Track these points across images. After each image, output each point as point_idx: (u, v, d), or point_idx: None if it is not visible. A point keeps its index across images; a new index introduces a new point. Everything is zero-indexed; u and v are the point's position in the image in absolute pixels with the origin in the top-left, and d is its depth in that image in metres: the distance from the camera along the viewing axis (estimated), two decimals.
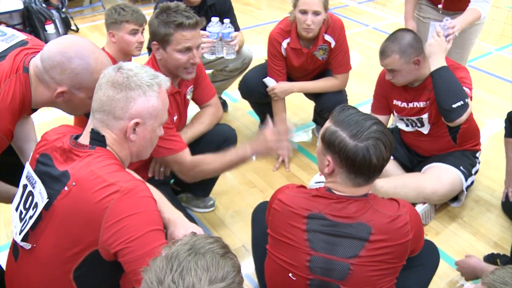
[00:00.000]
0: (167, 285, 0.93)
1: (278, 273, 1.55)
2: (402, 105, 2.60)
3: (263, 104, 3.18)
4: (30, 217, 1.37)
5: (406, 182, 2.54)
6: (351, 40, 3.02)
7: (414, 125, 2.63)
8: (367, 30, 5.58)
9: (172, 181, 2.62)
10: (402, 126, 2.68)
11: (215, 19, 2.72)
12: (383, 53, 2.40)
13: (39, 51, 1.64)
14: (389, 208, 1.50)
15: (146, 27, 2.44)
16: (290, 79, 3.06)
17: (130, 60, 2.76)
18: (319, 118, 3.29)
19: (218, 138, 2.46)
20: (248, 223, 2.01)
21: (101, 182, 1.28)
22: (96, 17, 5.66)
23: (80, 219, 1.29)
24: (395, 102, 2.63)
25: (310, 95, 3.23)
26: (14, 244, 1.47)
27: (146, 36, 2.59)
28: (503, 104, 3.77)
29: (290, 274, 1.52)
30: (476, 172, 2.65)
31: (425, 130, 2.60)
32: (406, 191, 2.50)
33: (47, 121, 3.62)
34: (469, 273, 2.06)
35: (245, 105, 3.47)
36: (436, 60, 2.32)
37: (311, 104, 3.33)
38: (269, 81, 2.99)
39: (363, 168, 1.46)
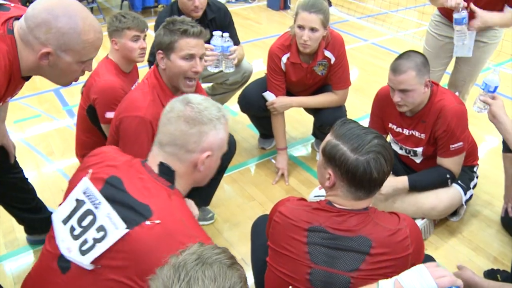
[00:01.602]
0: None
1: (278, 286, 1.55)
2: (397, 130, 2.59)
3: (263, 118, 3.19)
4: (97, 240, 1.34)
5: (404, 197, 2.54)
6: (350, 55, 3.04)
7: (407, 152, 2.63)
8: (366, 45, 5.62)
9: None
10: (396, 148, 2.67)
11: (218, 33, 2.74)
12: (397, 70, 2.28)
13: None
14: (389, 222, 1.51)
15: (148, 34, 2.48)
16: (289, 93, 3.08)
17: (135, 67, 2.77)
18: (318, 132, 3.29)
19: None
20: (247, 236, 2.01)
21: (184, 230, 1.32)
22: None
23: (158, 258, 1.23)
24: (390, 125, 2.62)
25: (310, 110, 3.25)
26: (62, 257, 1.40)
27: (148, 42, 2.62)
28: None
29: (290, 287, 1.52)
30: (475, 186, 2.65)
31: (417, 159, 2.61)
32: (405, 206, 2.50)
33: (47, 131, 3.63)
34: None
35: (245, 118, 3.48)
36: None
37: (310, 119, 3.35)
38: (269, 96, 3.00)
39: (363, 182, 1.46)
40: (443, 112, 2.35)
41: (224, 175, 3.10)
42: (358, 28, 6.14)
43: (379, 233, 1.47)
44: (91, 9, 6.54)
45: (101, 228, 1.35)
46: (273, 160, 3.28)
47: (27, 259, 2.46)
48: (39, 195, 2.45)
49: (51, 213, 2.45)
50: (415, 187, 2.48)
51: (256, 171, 3.23)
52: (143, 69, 2.97)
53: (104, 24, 5.14)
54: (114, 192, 1.39)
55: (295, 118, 3.71)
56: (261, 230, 1.78)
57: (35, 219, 2.41)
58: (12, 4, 1.65)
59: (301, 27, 2.69)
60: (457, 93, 2.84)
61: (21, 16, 1.54)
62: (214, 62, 2.74)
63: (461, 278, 1.99)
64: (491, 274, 2.28)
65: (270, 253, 1.61)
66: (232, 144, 2.56)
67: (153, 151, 1.48)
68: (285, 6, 6.98)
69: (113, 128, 2.24)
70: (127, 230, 1.30)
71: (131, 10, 6.00)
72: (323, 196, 1.73)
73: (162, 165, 1.44)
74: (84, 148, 2.84)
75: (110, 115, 2.50)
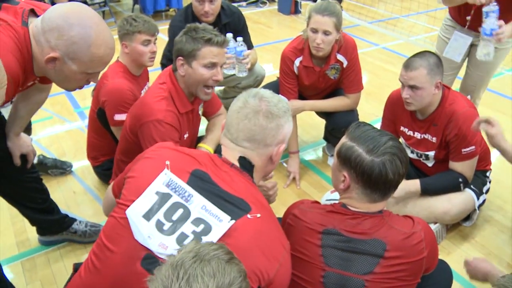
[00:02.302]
0: None
1: None
2: (408, 133, 2.58)
3: None
4: (198, 233, 1.28)
5: (417, 201, 2.52)
6: (361, 59, 3.03)
7: (419, 156, 2.62)
8: (377, 49, 5.61)
9: None
10: (407, 151, 2.65)
11: (229, 35, 2.75)
12: (410, 66, 2.30)
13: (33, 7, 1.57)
14: (404, 225, 1.50)
15: (159, 38, 2.49)
16: (301, 97, 3.07)
17: (145, 70, 2.78)
18: (330, 136, 3.29)
19: None
20: None
21: (279, 231, 1.39)
22: None
23: (256, 256, 1.27)
24: (402, 128, 2.61)
25: (322, 114, 3.24)
26: (147, 257, 1.29)
27: (159, 46, 2.63)
28: None
29: None
30: (487, 191, 2.63)
31: (429, 163, 2.60)
32: (417, 211, 2.48)
33: (59, 133, 3.66)
34: (479, 275, 2.00)
35: None
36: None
37: (322, 122, 3.34)
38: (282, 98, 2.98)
39: (379, 184, 1.46)
40: (454, 116, 2.35)
41: None
42: (369, 32, 6.13)
43: (394, 236, 1.46)
44: (103, 13, 6.60)
45: (199, 221, 1.30)
46: (284, 164, 3.27)
47: (39, 260, 2.47)
48: (51, 196, 2.46)
49: (64, 214, 2.49)
50: (427, 191, 2.47)
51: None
52: (156, 71, 2.99)
53: (114, 28, 5.20)
54: (203, 185, 1.35)
55: (307, 122, 3.71)
56: None
57: (47, 220, 2.42)
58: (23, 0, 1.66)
59: (314, 30, 2.69)
60: (468, 97, 2.83)
61: (35, 9, 1.56)
62: (230, 64, 2.74)
63: (480, 266, 1.95)
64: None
65: None
66: None
67: (227, 146, 1.46)
68: (296, 11, 6.99)
69: (128, 132, 2.25)
70: (233, 222, 1.28)
71: (142, 14, 6.03)
72: (335, 200, 1.73)
73: (243, 160, 1.44)
74: (95, 150, 2.86)
75: (119, 117, 2.51)
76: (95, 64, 1.55)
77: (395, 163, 1.45)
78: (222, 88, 3.55)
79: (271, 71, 4.41)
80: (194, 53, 2.09)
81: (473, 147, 2.37)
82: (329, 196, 2.70)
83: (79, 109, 4.06)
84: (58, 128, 3.74)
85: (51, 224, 2.45)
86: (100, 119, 2.69)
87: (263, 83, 3.34)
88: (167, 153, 1.45)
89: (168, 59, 3.08)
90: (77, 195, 2.96)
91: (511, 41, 2.89)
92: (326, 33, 2.68)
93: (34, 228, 2.52)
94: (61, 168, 3.12)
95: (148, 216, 1.32)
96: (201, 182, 1.36)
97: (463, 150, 2.38)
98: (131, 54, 2.58)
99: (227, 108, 3.76)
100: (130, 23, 2.53)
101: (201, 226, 1.29)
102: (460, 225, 2.68)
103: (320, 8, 2.67)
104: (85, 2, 6.45)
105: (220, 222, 1.28)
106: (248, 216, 1.30)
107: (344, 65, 2.90)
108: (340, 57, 2.87)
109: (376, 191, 1.48)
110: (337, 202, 1.58)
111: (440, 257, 2.37)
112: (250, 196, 1.36)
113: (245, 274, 1.03)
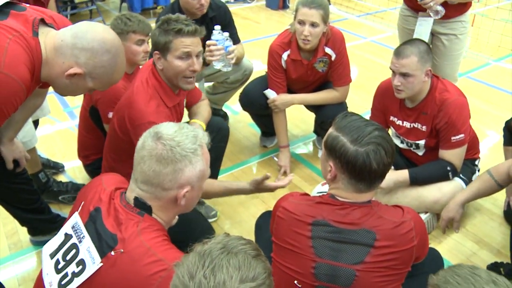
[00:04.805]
0: (198, 280, 0.94)
1: (284, 281, 1.55)
2: (398, 123, 2.60)
3: (264, 116, 3.20)
4: (75, 274, 1.31)
5: (407, 191, 2.54)
6: (350, 52, 3.04)
7: (409, 145, 2.63)
8: (365, 43, 5.63)
9: None
10: (397, 142, 2.67)
11: (217, 27, 2.74)
12: (401, 54, 2.32)
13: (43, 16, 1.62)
14: (393, 215, 1.51)
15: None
16: (290, 91, 3.08)
17: (137, 67, 2.76)
18: (320, 129, 3.30)
19: (212, 129, 2.47)
20: (251, 233, 2.01)
21: (150, 256, 1.26)
22: None
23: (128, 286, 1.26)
24: (392, 118, 2.62)
25: (311, 107, 3.25)
26: None
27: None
28: (501, 113, 3.79)
29: (295, 282, 1.52)
30: None
31: (420, 152, 2.62)
32: (408, 201, 2.49)
33: (49, 133, 3.64)
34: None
35: (246, 117, 3.48)
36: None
37: (311, 116, 3.35)
38: (270, 93, 3.00)
39: (363, 173, 1.47)
40: (444, 105, 2.37)
41: (226, 173, 3.12)
42: (357, 26, 6.15)
43: (383, 225, 1.47)
44: (90, 12, 6.56)
45: (81, 262, 1.32)
46: (275, 158, 3.28)
47: (31, 261, 2.46)
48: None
49: (56, 214, 2.48)
50: (416, 180, 2.48)
51: (258, 169, 3.24)
52: None
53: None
54: (95, 223, 1.36)
55: (297, 116, 3.72)
56: (265, 226, 1.78)
57: (38, 219, 2.41)
58: (27, 4, 1.68)
59: (301, 22, 2.70)
60: None
61: (44, 17, 1.62)
62: (220, 56, 2.73)
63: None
64: (494, 267, 2.29)
65: (274, 248, 1.62)
66: (225, 127, 2.65)
67: (130, 185, 1.42)
68: (284, 6, 6.99)
69: (117, 131, 2.23)
70: (101, 264, 1.28)
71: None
72: (325, 192, 1.74)
73: (137, 200, 1.38)
74: (86, 148, 2.85)
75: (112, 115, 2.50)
76: (108, 84, 1.72)
77: (380, 153, 1.45)
78: (211, 83, 3.54)
79: (260, 66, 4.41)
80: (167, 46, 2.08)
81: (462, 135, 2.39)
82: (320, 188, 2.71)
83: (68, 109, 4.04)
84: (48, 129, 3.72)
85: (43, 223, 2.44)
86: (92, 117, 2.68)
87: (251, 77, 3.34)
88: (88, 190, 1.49)
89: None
90: None
91: (467, 26, 2.95)
92: (313, 25, 2.69)
93: (25, 229, 2.50)
94: (54, 168, 3.12)
95: (53, 255, 1.40)
96: (94, 221, 1.37)
97: (452, 138, 2.40)
98: (124, 53, 2.57)
99: (215, 104, 3.76)
100: (125, 22, 2.51)
101: (80, 267, 1.32)
102: None
103: (307, 0, 2.67)
104: (72, 1, 6.42)
105: (93, 264, 1.29)
106: (112, 253, 1.28)
107: (332, 58, 2.91)
108: (328, 50, 2.88)
109: (361, 181, 1.49)
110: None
111: (431, 246, 2.41)
112: (125, 230, 1.32)
113: (270, 271, 1.04)
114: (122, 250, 1.28)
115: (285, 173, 3.11)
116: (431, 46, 2.96)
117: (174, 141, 1.35)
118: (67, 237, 1.40)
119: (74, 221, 1.41)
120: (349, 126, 1.49)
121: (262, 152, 3.43)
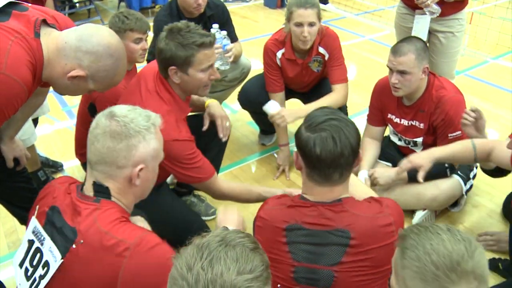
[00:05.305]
0: (196, 272, 0.95)
1: None
2: (396, 120, 2.61)
3: (263, 114, 3.19)
4: (41, 277, 1.32)
5: (405, 188, 2.55)
6: (348, 51, 3.06)
7: (407, 143, 2.64)
8: (364, 41, 5.63)
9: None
10: (395, 139, 2.68)
11: (215, 26, 2.74)
12: (398, 51, 2.32)
13: (43, 16, 1.61)
14: (367, 210, 1.46)
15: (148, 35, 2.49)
16: (288, 90, 3.09)
17: (134, 67, 2.76)
18: None
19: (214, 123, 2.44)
20: (249, 231, 2.01)
21: (109, 240, 1.27)
22: None
23: (93, 283, 1.27)
24: (389, 116, 2.63)
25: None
26: None
27: (148, 42, 2.62)
28: (500, 111, 3.81)
29: (278, 285, 1.49)
30: (474, 176, 2.66)
31: (417, 149, 2.62)
32: (406, 198, 2.51)
33: (48, 133, 3.64)
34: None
35: (245, 115, 3.49)
36: None
37: None
38: (272, 107, 2.83)
39: (312, 161, 1.43)
40: (441, 102, 2.38)
41: (225, 171, 3.13)
42: (356, 24, 6.15)
43: (358, 222, 1.43)
44: (88, 11, 6.56)
45: (45, 264, 1.32)
46: (275, 155, 3.29)
47: None
48: None
49: None
50: (414, 177, 2.48)
51: (257, 167, 3.24)
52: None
53: (103, 25, 5.15)
54: (53, 223, 1.35)
55: None
56: None
57: None
58: (29, 4, 1.68)
59: (299, 24, 2.69)
60: None
61: (46, 17, 1.61)
62: (219, 55, 2.73)
63: None
64: (492, 263, 2.29)
65: None
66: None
67: (87, 174, 1.42)
68: (282, 4, 6.98)
69: None
70: (62, 261, 1.28)
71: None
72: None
73: (95, 185, 1.38)
74: (83, 146, 2.83)
75: None
76: (109, 87, 1.73)
77: (327, 141, 1.40)
78: None
79: (258, 65, 4.41)
80: (189, 60, 1.95)
81: (459, 132, 2.39)
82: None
83: (67, 108, 4.05)
84: (46, 128, 3.72)
85: None
86: (91, 114, 2.68)
87: (250, 75, 3.34)
88: (41, 196, 1.48)
89: (153, 55, 3.06)
90: None
91: (464, 24, 2.96)
92: (311, 24, 2.69)
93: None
94: (53, 167, 3.12)
95: (22, 264, 1.39)
96: (52, 221, 1.36)
97: (449, 134, 2.41)
98: None
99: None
100: (122, 20, 2.49)
101: (45, 269, 1.31)
102: (449, 210, 2.71)
103: (300, 1, 2.67)
104: (70, 0, 6.41)
105: (55, 262, 1.29)
106: (73, 246, 1.28)
107: (326, 58, 2.91)
108: (321, 49, 2.88)
109: (314, 170, 1.45)
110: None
111: None
112: (82, 221, 1.31)
113: (268, 264, 1.04)
114: (82, 241, 1.28)
115: (283, 171, 3.12)
116: (428, 43, 2.97)
117: (127, 118, 1.37)
118: (30, 243, 1.39)
119: (33, 226, 1.40)
120: (312, 114, 1.48)
121: (260, 150, 3.44)
